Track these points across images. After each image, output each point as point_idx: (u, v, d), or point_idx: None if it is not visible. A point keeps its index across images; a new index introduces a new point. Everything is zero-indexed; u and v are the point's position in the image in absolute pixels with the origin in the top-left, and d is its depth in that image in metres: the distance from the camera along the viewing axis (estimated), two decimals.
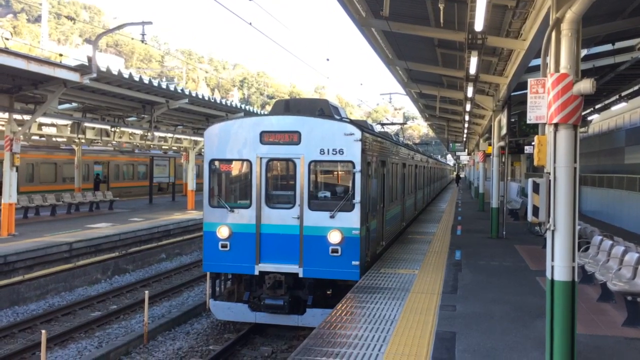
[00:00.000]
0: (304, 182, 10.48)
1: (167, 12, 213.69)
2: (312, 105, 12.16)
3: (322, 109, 11.83)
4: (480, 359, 6.49)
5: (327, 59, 35.67)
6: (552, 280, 5.92)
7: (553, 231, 5.87)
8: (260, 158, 10.71)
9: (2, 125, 18.95)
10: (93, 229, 19.73)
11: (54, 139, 27.30)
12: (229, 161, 11.08)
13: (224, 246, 10.77)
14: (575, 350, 5.95)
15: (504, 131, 16.87)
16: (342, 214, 10.34)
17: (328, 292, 10.68)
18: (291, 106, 12.15)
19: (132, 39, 41.13)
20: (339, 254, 10.27)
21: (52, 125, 22.90)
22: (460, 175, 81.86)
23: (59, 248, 16.16)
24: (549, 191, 5.85)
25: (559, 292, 5.88)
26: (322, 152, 10.41)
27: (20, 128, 17.47)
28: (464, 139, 42.86)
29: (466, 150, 50.99)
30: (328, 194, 10.83)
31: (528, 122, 6.08)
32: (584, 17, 5.77)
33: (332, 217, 10.34)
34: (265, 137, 10.69)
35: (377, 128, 19.32)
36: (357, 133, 10.31)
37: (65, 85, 15.90)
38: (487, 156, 27.22)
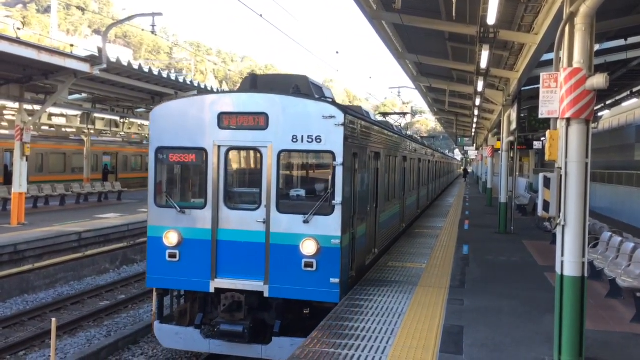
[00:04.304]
0: (272, 178, 8.43)
1: (175, 3, 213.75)
2: (287, 82, 9.72)
3: (297, 87, 9.32)
4: (488, 353, 6.50)
5: (337, 52, 35.67)
6: (562, 276, 5.92)
7: (563, 226, 5.86)
8: (218, 146, 8.65)
9: (13, 115, 19.07)
10: (102, 219, 19.87)
11: (63, 129, 27.46)
12: (180, 150, 8.83)
13: (172, 256, 8.74)
14: (583, 346, 5.96)
15: (513, 126, 16.80)
16: (318, 218, 8.26)
17: (306, 312, 8.71)
18: (260, 83, 9.81)
19: (143, 30, 41.13)
20: (314, 268, 8.22)
21: (62, 115, 23.09)
22: (468, 170, 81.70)
23: (68, 238, 16.31)
24: (560, 186, 5.84)
25: (568, 288, 5.89)
26: (294, 139, 8.32)
27: (30, 118, 17.61)
28: (473, 134, 42.75)
29: (474, 145, 50.86)
30: (302, 192, 8.82)
31: (540, 116, 6.07)
32: (597, 12, 5.73)
33: (306, 222, 8.27)
34: (225, 120, 8.61)
35: (379, 118, 18.10)
36: (339, 116, 8.18)
37: (76, 76, 15.99)
38: (495, 151, 27.17)
